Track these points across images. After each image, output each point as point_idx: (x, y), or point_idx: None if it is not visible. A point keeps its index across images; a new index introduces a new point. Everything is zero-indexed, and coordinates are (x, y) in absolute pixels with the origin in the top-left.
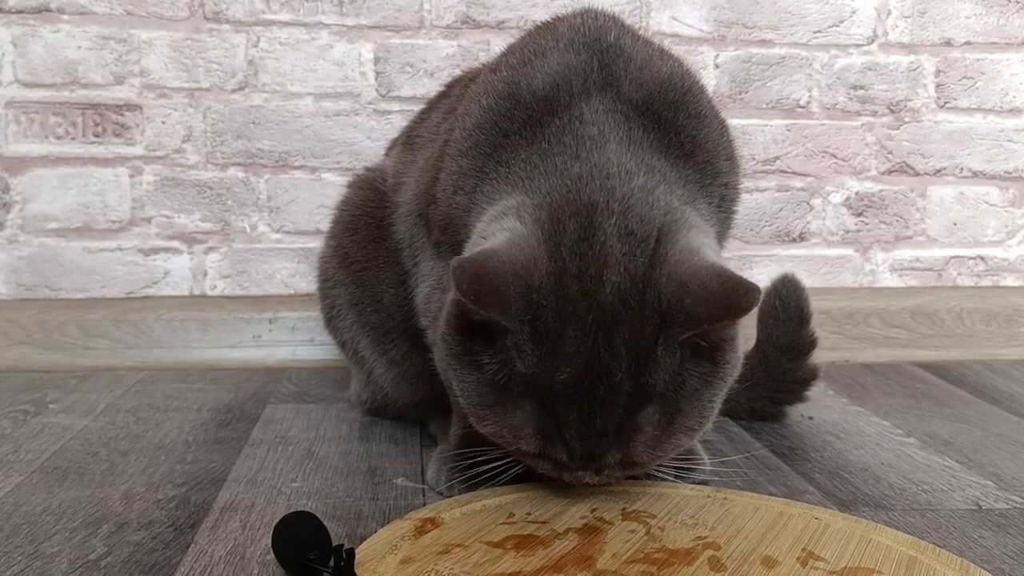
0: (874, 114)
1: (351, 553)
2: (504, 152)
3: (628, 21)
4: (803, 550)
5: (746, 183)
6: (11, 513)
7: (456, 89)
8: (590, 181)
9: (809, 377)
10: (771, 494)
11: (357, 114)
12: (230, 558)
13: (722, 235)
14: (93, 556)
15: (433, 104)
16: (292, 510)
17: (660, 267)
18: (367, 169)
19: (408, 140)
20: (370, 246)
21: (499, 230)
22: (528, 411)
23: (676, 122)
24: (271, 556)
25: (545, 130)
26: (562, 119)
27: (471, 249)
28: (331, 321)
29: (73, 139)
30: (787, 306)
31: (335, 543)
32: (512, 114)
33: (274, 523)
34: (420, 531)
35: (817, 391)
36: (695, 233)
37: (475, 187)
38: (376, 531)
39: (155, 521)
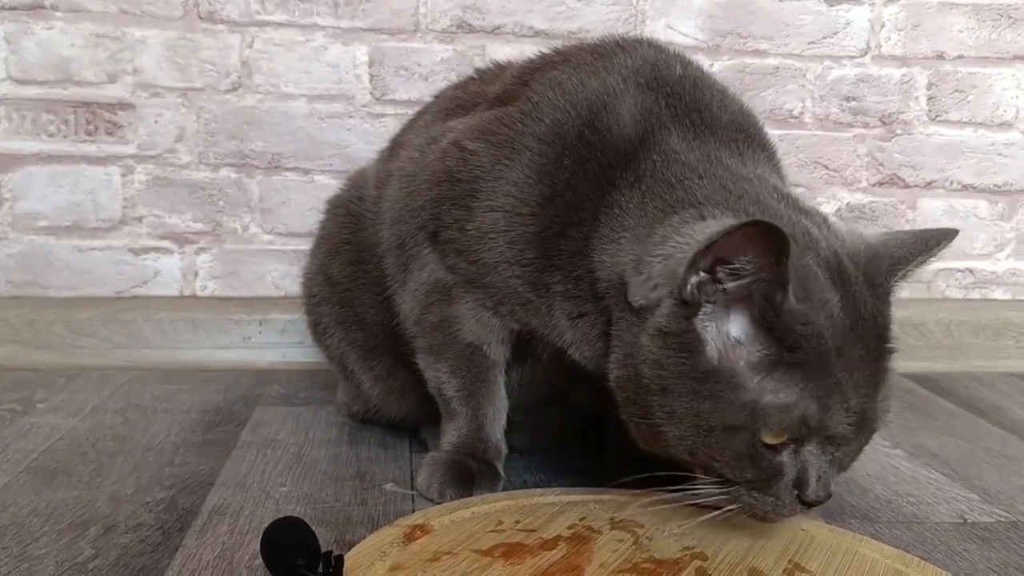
0: (866, 126)
1: (340, 560)
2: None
3: (623, 29)
4: (789, 562)
5: None
6: None
7: (448, 92)
8: (758, 182)
9: None
10: None
11: (351, 117)
12: (218, 563)
13: None
14: (81, 559)
15: (422, 111)
16: (281, 515)
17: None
18: (344, 186)
19: (393, 147)
20: (350, 268)
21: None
22: (807, 381)
23: (758, 132)
24: (259, 561)
25: (641, 166)
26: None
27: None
28: (318, 336)
29: (65, 137)
30: None
31: (324, 549)
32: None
33: (262, 528)
34: (409, 538)
35: None
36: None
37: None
38: (365, 537)
39: (143, 524)
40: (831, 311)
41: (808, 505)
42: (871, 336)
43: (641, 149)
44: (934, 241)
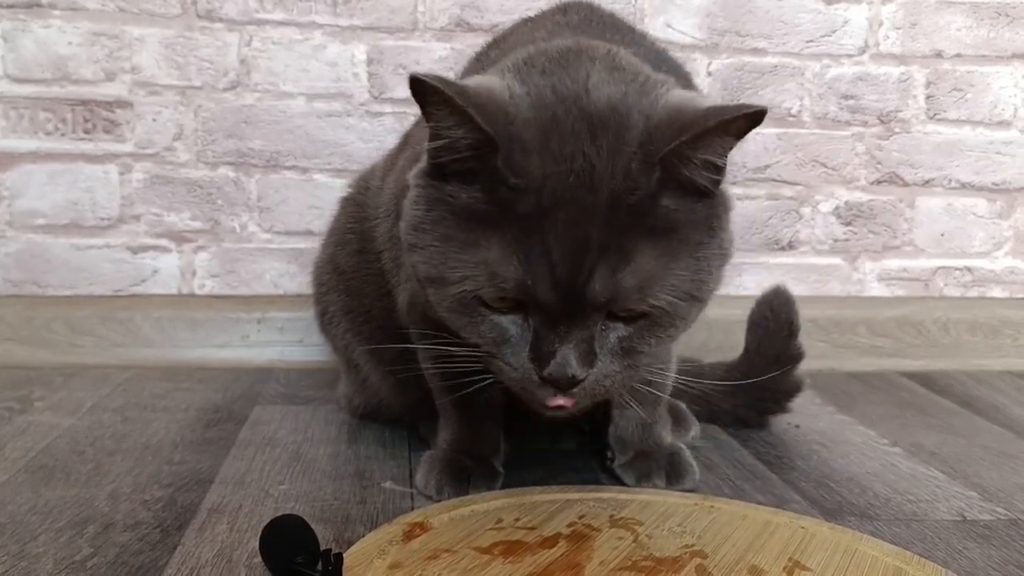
0: (864, 124)
1: (339, 558)
2: None
3: None
4: (789, 560)
5: (736, 191)
6: None
7: None
8: (566, 43)
9: (793, 389)
10: (758, 502)
11: (349, 115)
12: (217, 560)
13: None
14: (79, 557)
15: None
16: (280, 513)
17: (652, 93)
18: (353, 181)
19: (405, 139)
20: (356, 258)
21: None
22: (510, 236)
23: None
24: (258, 559)
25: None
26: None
27: None
28: (325, 326)
29: (63, 135)
30: (777, 317)
31: (323, 547)
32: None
33: (261, 526)
34: (409, 536)
35: (804, 399)
36: (694, 94)
37: None
38: (364, 535)
39: (142, 522)
40: (553, 170)
41: (552, 385)
42: (604, 204)
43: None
44: (724, 116)
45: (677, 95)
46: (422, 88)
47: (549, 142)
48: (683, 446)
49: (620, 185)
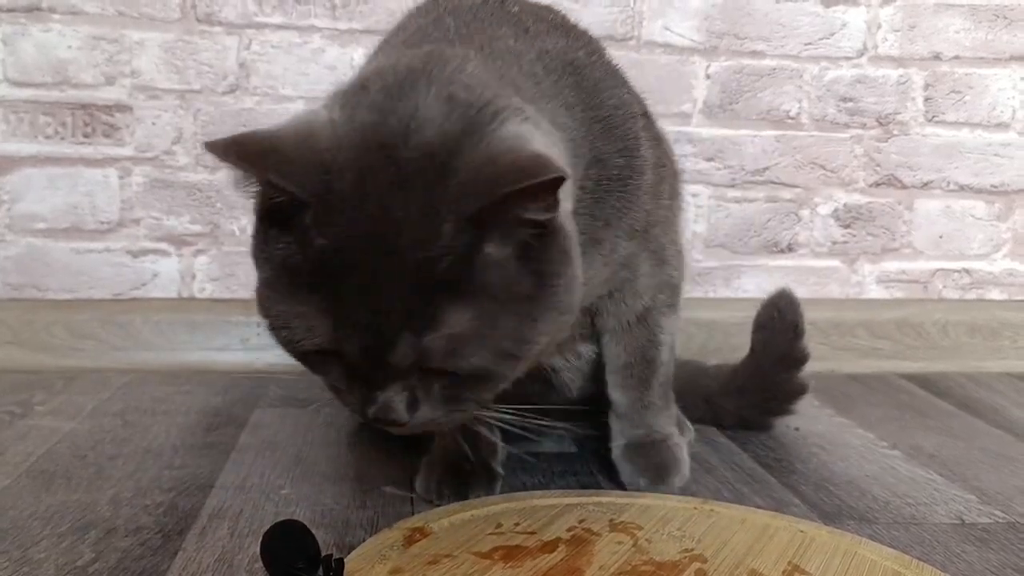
0: (863, 127)
1: (340, 563)
2: None
3: (620, 31)
4: (789, 564)
5: (735, 193)
6: None
7: None
8: (416, 57)
9: (798, 391)
10: (757, 506)
11: None
12: (218, 566)
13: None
14: (81, 562)
15: None
16: (280, 517)
17: (478, 135)
18: None
19: None
20: None
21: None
22: (321, 294)
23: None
24: (259, 564)
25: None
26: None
27: None
28: None
29: (62, 139)
30: (784, 318)
31: (324, 552)
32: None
33: (262, 530)
34: (409, 541)
35: (803, 401)
36: (531, 126)
37: None
38: (365, 540)
39: (143, 527)
40: (360, 232)
41: (378, 424)
42: (413, 268)
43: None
44: (513, 177)
45: (502, 136)
46: (218, 155)
47: (359, 200)
48: (681, 440)
49: (430, 249)
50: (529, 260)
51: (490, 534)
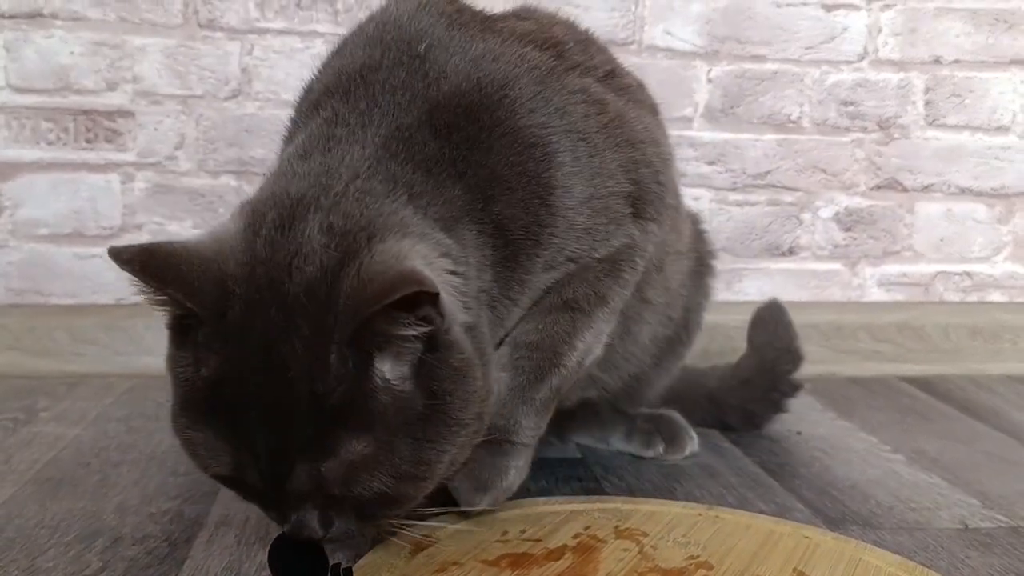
0: (864, 130)
1: (348, 572)
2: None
3: (621, 35)
4: (794, 570)
5: (737, 197)
6: (4, 526)
7: None
8: (307, 177)
9: (795, 386)
10: (761, 511)
11: None
12: (226, 574)
13: (511, 268)
14: (88, 572)
15: None
16: None
17: (352, 263)
18: None
19: None
20: None
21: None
22: (220, 422)
23: (464, 133)
24: (267, 573)
25: (307, 129)
26: (322, 115)
27: None
28: None
29: (65, 145)
30: (776, 337)
31: (332, 561)
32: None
33: (269, 538)
34: (416, 549)
35: (804, 406)
36: (410, 241)
37: None
38: (372, 549)
39: (149, 535)
40: (249, 365)
41: (292, 537)
42: (304, 401)
43: (314, 108)
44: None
45: (376, 259)
46: (121, 265)
47: (248, 333)
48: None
49: (323, 380)
50: (422, 378)
51: (496, 541)
